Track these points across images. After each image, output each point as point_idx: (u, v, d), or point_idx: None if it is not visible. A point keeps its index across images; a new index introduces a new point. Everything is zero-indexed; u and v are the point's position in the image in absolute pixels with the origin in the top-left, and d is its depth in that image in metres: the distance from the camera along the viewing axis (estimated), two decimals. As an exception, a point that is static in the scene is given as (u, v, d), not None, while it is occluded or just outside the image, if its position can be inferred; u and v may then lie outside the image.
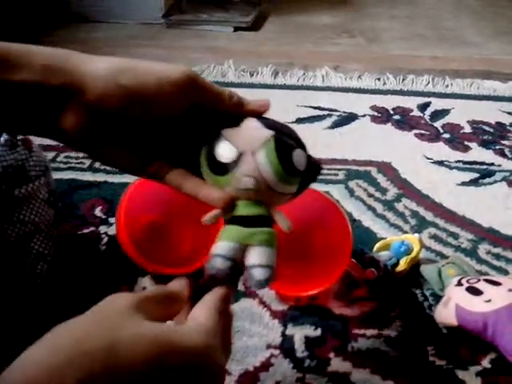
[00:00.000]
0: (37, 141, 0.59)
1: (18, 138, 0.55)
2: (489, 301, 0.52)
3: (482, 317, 0.51)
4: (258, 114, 0.39)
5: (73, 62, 0.35)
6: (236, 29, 1.54)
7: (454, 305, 0.54)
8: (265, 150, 0.37)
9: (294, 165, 0.38)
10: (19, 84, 0.34)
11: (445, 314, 0.54)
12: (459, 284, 0.56)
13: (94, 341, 0.26)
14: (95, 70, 0.35)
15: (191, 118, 0.39)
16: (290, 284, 0.59)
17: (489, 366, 0.52)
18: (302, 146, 0.40)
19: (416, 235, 0.65)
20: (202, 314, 0.33)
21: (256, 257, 0.37)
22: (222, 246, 0.37)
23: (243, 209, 0.38)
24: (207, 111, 0.39)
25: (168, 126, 0.39)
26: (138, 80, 0.35)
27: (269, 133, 0.37)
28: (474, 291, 0.54)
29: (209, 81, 0.38)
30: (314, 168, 0.41)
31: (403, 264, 0.61)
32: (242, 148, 0.37)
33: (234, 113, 0.39)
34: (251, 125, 0.38)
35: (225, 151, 0.37)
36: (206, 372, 0.30)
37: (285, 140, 0.38)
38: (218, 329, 0.33)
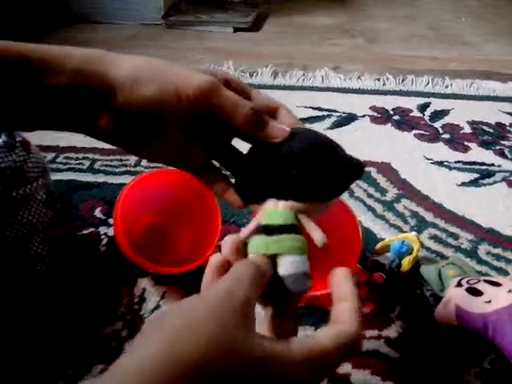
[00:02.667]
0: (36, 142, 0.59)
1: (17, 139, 0.55)
2: (489, 301, 0.52)
3: (483, 318, 0.51)
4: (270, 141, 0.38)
5: (105, 66, 0.37)
6: (236, 29, 1.54)
7: (454, 306, 0.53)
8: None
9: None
10: (53, 87, 0.36)
11: (445, 315, 0.54)
12: (459, 285, 0.56)
13: (212, 359, 0.27)
14: (123, 75, 0.37)
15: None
16: None
17: (489, 366, 0.51)
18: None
19: (413, 233, 0.65)
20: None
21: (287, 266, 0.35)
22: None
23: (268, 218, 0.36)
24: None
25: (199, 122, 0.40)
26: (159, 92, 0.37)
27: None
28: (474, 292, 0.54)
29: (229, 93, 0.37)
30: (352, 169, 0.39)
31: (407, 264, 0.61)
32: None
33: (247, 132, 0.38)
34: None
35: None
36: None
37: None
38: (333, 360, 0.32)
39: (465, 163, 0.87)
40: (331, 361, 0.32)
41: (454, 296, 0.54)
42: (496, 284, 0.55)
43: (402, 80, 1.18)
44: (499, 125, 1.00)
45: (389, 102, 1.07)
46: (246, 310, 0.30)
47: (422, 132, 0.97)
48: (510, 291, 0.53)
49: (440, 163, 0.87)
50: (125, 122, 0.38)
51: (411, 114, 1.03)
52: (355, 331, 0.33)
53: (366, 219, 0.72)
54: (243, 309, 0.30)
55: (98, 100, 0.37)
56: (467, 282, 0.56)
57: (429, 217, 0.73)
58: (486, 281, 0.55)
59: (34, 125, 0.40)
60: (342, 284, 0.36)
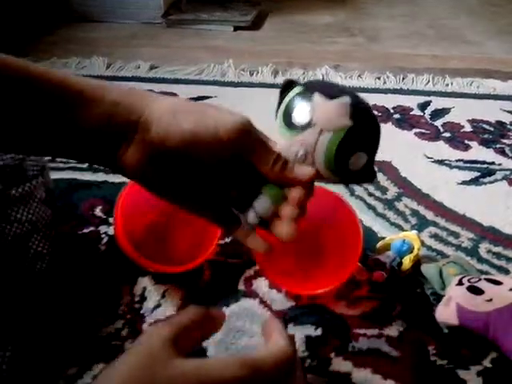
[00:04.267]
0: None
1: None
2: (490, 300, 0.52)
3: (483, 316, 0.51)
4: (302, 184, 0.40)
5: (144, 100, 0.38)
6: (236, 28, 1.54)
7: (455, 304, 0.53)
8: (331, 136, 0.38)
9: (347, 164, 0.40)
10: (89, 119, 0.36)
11: (446, 314, 0.54)
12: (460, 283, 0.56)
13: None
14: (161, 109, 0.37)
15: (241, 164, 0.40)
16: (297, 282, 0.59)
17: (490, 365, 0.51)
18: (371, 149, 0.41)
19: (414, 232, 0.65)
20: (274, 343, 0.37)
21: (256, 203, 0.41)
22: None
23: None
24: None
25: (224, 168, 0.40)
26: (197, 124, 0.37)
27: (347, 123, 0.39)
28: (475, 290, 0.54)
29: (262, 137, 0.40)
30: (367, 173, 0.42)
31: (408, 263, 0.61)
32: (316, 121, 0.39)
33: (274, 179, 0.40)
34: (342, 105, 0.39)
35: (301, 113, 0.39)
36: None
37: (355, 137, 0.39)
38: (269, 367, 0.34)
39: (465, 162, 0.87)
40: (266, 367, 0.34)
41: (455, 295, 0.54)
42: (497, 282, 0.55)
43: (403, 78, 1.18)
44: (500, 123, 1.00)
45: (389, 101, 1.07)
46: (166, 345, 0.33)
47: (422, 131, 0.97)
48: (510, 290, 0.53)
49: (440, 162, 0.87)
50: (154, 159, 0.38)
51: (412, 113, 1.03)
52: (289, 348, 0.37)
53: (366, 218, 0.72)
54: (162, 346, 0.33)
55: (130, 133, 0.37)
56: (468, 280, 0.56)
57: (429, 215, 0.73)
58: (486, 279, 0.55)
59: (56, 153, 0.39)
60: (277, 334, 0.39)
